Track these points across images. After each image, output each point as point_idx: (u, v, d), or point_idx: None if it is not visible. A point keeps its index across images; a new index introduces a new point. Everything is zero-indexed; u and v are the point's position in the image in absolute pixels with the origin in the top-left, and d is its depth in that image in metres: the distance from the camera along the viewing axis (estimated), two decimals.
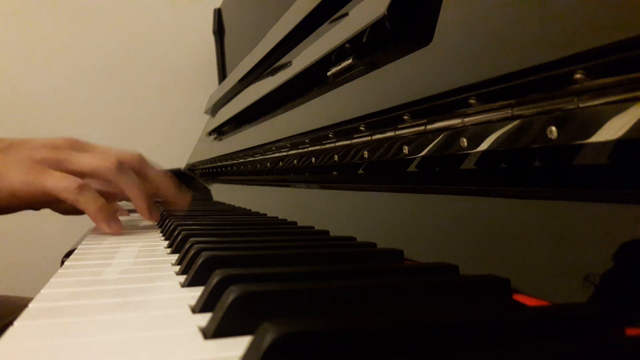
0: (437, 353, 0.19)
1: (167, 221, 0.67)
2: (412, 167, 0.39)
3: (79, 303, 0.31)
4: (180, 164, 1.60)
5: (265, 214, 0.77)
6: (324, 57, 0.56)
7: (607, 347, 0.18)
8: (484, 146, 0.30)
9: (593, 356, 0.17)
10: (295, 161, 0.65)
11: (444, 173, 0.36)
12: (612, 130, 0.22)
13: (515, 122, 0.28)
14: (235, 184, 1.09)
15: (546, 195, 0.27)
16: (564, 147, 0.25)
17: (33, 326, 0.26)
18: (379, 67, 0.44)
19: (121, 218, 0.71)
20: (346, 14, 0.54)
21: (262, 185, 0.88)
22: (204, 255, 0.35)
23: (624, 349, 0.18)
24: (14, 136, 0.66)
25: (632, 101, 0.21)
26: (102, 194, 0.64)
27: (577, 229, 0.25)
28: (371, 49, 0.47)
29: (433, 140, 0.36)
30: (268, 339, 0.17)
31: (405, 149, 0.39)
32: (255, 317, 0.23)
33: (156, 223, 0.74)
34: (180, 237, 0.50)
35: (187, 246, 0.42)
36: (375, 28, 0.44)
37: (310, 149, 0.60)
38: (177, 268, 0.41)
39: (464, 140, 0.32)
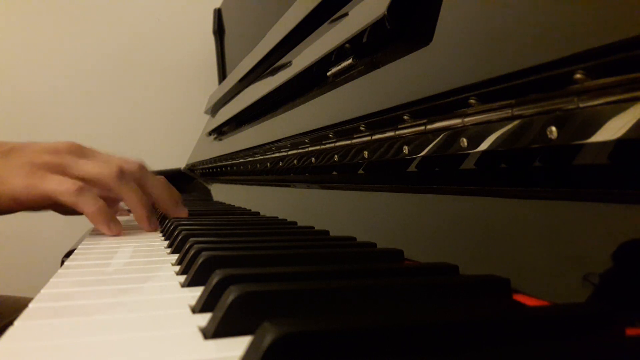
0: (437, 353, 0.19)
1: (167, 221, 0.67)
2: (412, 167, 0.39)
3: (79, 303, 0.31)
4: (180, 164, 1.60)
5: (265, 214, 0.77)
6: (324, 57, 0.56)
7: (607, 347, 0.18)
8: (484, 146, 0.30)
9: (593, 356, 0.17)
10: (295, 161, 0.65)
11: (444, 173, 0.36)
12: (612, 130, 0.22)
13: (515, 122, 0.28)
14: (235, 184, 1.09)
15: (546, 195, 0.27)
16: (564, 147, 0.25)
17: (33, 326, 0.26)
18: (379, 67, 0.44)
19: (121, 218, 0.71)
20: (346, 14, 0.54)
21: (262, 185, 0.88)
22: (204, 255, 0.35)
23: (624, 349, 0.18)
24: (14, 136, 0.67)
25: (632, 101, 0.21)
26: (101, 198, 0.64)
27: (577, 229, 0.25)
28: (371, 49, 0.47)
29: (433, 140, 0.36)
30: (268, 339, 0.17)
31: (405, 149, 0.39)
32: (255, 317, 0.23)
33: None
34: (180, 237, 0.50)
35: (187, 246, 0.42)
36: (375, 28, 0.44)
37: (310, 149, 0.60)
38: (177, 268, 0.41)
39: (464, 140, 0.32)
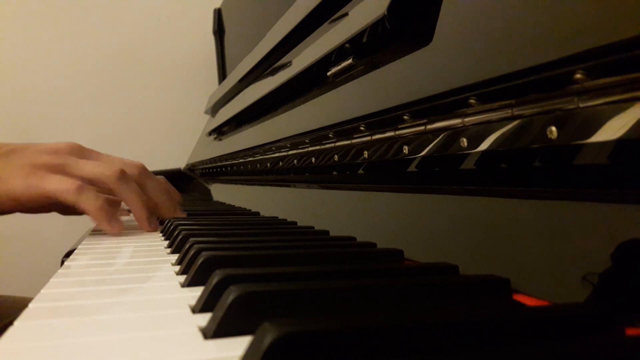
0: (437, 353, 0.19)
1: (167, 221, 0.67)
2: (412, 167, 0.39)
3: (79, 303, 0.31)
4: (180, 164, 1.60)
5: (265, 214, 0.77)
6: (324, 57, 0.56)
7: (607, 347, 0.18)
8: (484, 146, 0.30)
9: (593, 356, 0.17)
10: (295, 161, 0.65)
11: (444, 173, 0.36)
12: (612, 130, 0.22)
13: (515, 122, 0.28)
14: (235, 184, 1.09)
15: (546, 195, 0.27)
16: (564, 147, 0.25)
17: (33, 326, 0.26)
18: (379, 67, 0.44)
19: (121, 218, 0.71)
20: (346, 14, 0.54)
21: (262, 185, 0.88)
22: (204, 255, 0.35)
23: (624, 349, 0.18)
24: (15, 136, 0.67)
25: (632, 101, 0.21)
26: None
27: (577, 229, 0.25)
28: (371, 49, 0.47)
29: (433, 140, 0.36)
30: (268, 338, 0.18)
31: (405, 149, 0.39)
32: (255, 317, 0.23)
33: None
34: (180, 237, 0.50)
35: (187, 246, 0.42)
36: (376, 28, 0.44)
37: (310, 149, 0.60)
38: (177, 268, 0.41)
39: (464, 140, 0.32)
